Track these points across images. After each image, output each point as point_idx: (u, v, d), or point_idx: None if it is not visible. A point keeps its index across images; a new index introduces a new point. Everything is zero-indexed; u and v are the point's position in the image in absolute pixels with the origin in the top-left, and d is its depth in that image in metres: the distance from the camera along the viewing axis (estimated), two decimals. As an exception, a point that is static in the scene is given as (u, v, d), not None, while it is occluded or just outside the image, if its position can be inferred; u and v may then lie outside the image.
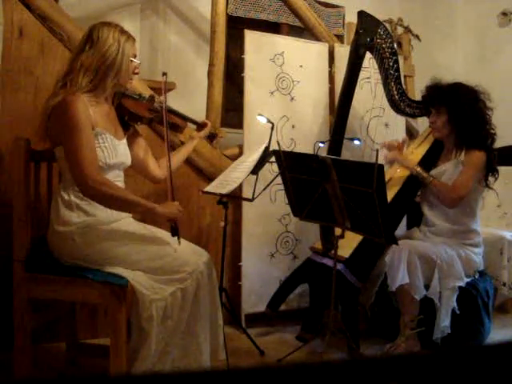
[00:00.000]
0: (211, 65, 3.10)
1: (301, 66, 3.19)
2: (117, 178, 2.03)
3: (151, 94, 2.32)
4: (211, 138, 2.55)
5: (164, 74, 2.10)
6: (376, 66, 2.94)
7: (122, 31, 2.01)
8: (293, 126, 3.15)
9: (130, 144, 2.16)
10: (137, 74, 2.09)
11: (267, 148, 2.52)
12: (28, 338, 1.95)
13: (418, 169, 2.68)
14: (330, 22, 4.33)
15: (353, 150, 3.10)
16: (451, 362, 0.54)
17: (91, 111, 1.92)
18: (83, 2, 3.55)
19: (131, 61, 2.02)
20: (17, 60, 2.50)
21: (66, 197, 1.94)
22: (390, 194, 2.65)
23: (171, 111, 2.30)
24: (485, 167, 2.63)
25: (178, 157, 2.38)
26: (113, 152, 1.97)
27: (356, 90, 2.87)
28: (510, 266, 3.29)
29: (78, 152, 1.83)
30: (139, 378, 0.54)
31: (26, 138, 2.00)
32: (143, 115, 2.14)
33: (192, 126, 2.54)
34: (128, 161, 2.11)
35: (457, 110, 2.62)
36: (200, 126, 2.48)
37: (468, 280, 2.64)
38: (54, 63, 2.54)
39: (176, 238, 1.95)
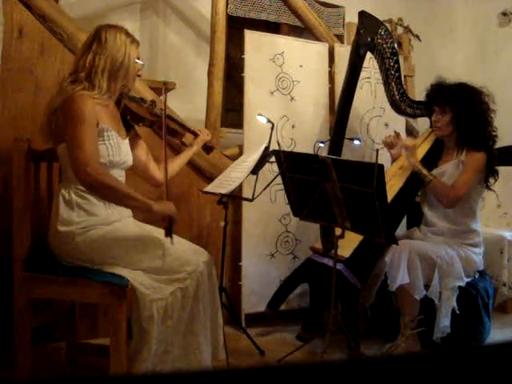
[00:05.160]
0: (211, 65, 3.10)
1: (301, 66, 3.19)
2: (118, 178, 2.04)
3: (153, 98, 2.34)
4: (207, 149, 2.52)
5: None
6: (376, 66, 2.94)
7: (128, 34, 2.05)
8: (293, 126, 3.15)
9: (132, 146, 2.16)
10: (139, 76, 2.12)
11: (267, 148, 2.52)
12: (28, 337, 1.95)
13: (420, 166, 2.67)
14: (330, 22, 4.33)
15: (353, 149, 3.10)
16: (451, 361, 0.54)
17: (97, 109, 1.94)
18: (83, 2, 3.55)
19: (136, 63, 2.06)
20: (17, 60, 2.50)
21: (67, 196, 1.94)
22: (391, 194, 2.65)
23: (171, 118, 2.32)
24: (485, 168, 2.63)
25: (180, 162, 2.39)
26: (117, 150, 1.98)
27: (356, 90, 2.87)
28: (509, 266, 3.29)
29: (80, 141, 1.84)
30: (139, 378, 0.54)
31: (27, 138, 2.00)
32: (145, 116, 2.17)
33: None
34: (130, 160, 2.11)
35: (461, 110, 2.62)
36: (196, 135, 2.45)
37: (468, 280, 2.64)
38: (54, 63, 2.54)
39: (169, 238, 1.92)
